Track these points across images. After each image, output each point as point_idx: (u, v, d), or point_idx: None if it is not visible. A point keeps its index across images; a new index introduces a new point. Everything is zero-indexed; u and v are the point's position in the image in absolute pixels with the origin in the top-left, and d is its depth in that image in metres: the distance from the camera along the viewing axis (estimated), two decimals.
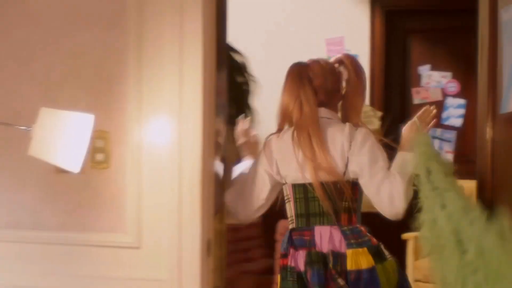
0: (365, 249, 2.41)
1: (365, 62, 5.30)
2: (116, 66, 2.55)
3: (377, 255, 2.43)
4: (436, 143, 4.96)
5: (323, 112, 2.51)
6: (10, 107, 2.70)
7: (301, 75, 2.56)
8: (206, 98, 2.65)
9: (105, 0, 2.68)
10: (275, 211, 3.13)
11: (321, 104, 2.53)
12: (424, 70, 5.32)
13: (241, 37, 5.19)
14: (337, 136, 2.44)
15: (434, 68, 5.36)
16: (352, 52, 5.01)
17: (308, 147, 2.43)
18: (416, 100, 5.32)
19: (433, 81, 5.29)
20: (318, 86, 2.54)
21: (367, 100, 5.14)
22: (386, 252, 2.47)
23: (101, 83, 2.57)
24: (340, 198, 2.44)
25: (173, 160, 2.54)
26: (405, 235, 4.53)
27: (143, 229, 2.50)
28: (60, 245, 2.60)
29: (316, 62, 2.63)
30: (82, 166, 2.27)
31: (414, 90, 5.35)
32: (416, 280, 4.52)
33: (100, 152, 2.49)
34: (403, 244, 5.28)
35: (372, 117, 5.24)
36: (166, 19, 2.57)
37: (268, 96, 5.10)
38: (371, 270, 2.39)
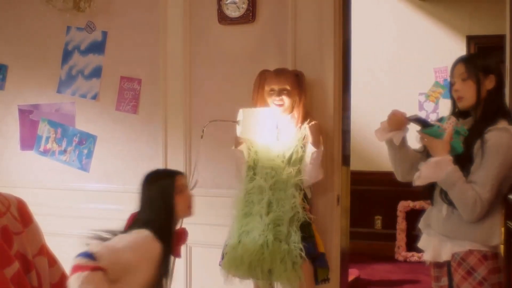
0: None
1: None
2: None
3: None
4: None
5: None
6: (224, 108, 3.75)
7: None
8: (336, 110, 3.57)
9: (271, 44, 3.69)
10: None
11: None
12: None
13: (371, 67, 6.57)
14: None
15: None
16: None
17: None
18: None
19: None
20: None
21: None
22: None
23: None
24: None
25: None
26: None
27: None
28: None
29: None
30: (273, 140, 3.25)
31: None
32: None
33: None
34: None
35: None
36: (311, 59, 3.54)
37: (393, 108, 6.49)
38: None
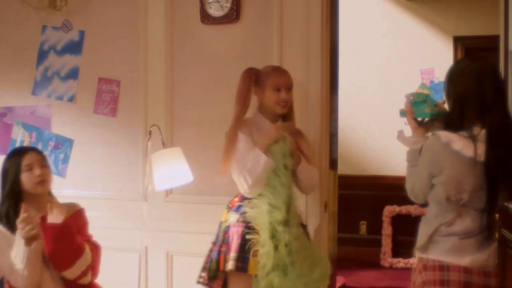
0: None
1: None
2: None
3: None
4: None
5: None
6: (207, 111, 3.78)
7: None
8: (324, 112, 3.54)
9: (256, 45, 3.66)
10: None
11: None
12: None
13: (357, 68, 6.56)
14: None
15: None
16: (440, 79, 6.14)
17: None
18: None
19: None
20: None
21: None
22: None
23: None
24: None
25: None
26: None
27: None
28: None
29: None
30: None
31: None
32: None
33: None
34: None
35: None
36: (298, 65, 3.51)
37: (382, 117, 6.46)
38: None
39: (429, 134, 2.71)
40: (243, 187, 3.05)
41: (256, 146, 3.04)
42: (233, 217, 3.08)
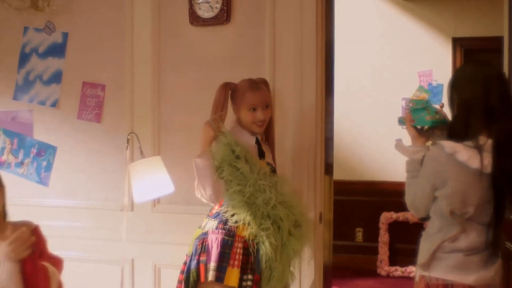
0: None
1: None
2: None
3: None
4: None
5: None
6: (195, 116, 3.60)
7: None
8: (319, 115, 3.49)
9: (248, 47, 3.58)
10: None
11: None
12: None
13: (352, 70, 6.52)
14: None
15: None
16: (438, 82, 6.18)
17: None
18: None
19: None
20: None
21: None
22: None
23: None
24: None
25: None
26: None
27: None
28: None
29: None
30: None
31: None
32: None
33: None
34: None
35: None
36: (290, 71, 3.47)
37: (378, 120, 6.42)
38: None
39: (429, 143, 2.65)
40: (209, 202, 2.97)
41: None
42: (211, 224, 2.96)
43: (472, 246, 2.50)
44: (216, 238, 2.89)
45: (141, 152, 3.53)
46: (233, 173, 2.86)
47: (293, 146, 3.51)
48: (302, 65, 3.53)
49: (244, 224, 2.87)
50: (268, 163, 3.06)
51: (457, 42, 6.52)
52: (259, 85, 3.06)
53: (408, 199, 2.62)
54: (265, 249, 2.85)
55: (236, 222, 2.88)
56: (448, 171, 2.44)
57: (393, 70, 6.64)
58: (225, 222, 2.90)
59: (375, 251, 6.60)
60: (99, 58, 3.97)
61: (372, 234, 6.65)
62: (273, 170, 3.07)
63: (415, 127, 2.66)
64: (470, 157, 2.40)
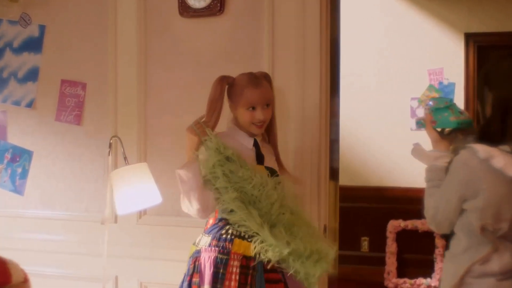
0: None
1: (460, 89, 6.12)
2: None
3: None
4: None
5: None
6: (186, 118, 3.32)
7: None
8: (323, 116, 3.39)
9: (244, 41, 3.45)
10: None
11: None
12: None
13: (357, 68, 6.45)
14: None
15: None
16: (450, 80, 6.09)
17: None
18: None
19: None
20: None
21: None
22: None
23: None
24: None
25: None
26: None
27: None
28: None
29: None
30: None
31: None
32: None
33: None
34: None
35: None
36: (292, 64, 3.33)
37: (385, 122, 6.32)
38: None
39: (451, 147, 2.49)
40: (197, 217, 2.78)
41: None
42: (204, 240, 2.76)
43: (506, 268, 2.25)
44: (209, 257, 2.68)
45: (125, 158, 3.30)
46: (228, 180, 2.67)
47: (295, 149, 3.36)
48: (305, 61, 3.38)
49: (242, 239, 2.68)
50: (268, 168, 2.85)
51: (470, 38, 6.37)
52: (259, 81, 2.84)
53: (428, 212, 2.39)
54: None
55: (239, 235, 2.70)
56: (481, 179, 2.21)
57: (401, 68, 6.50)
58: (218, 238, 2.69)
59: (382, 262, 6.43)
60: (79, 54, 3.81)
61: (378, 243, 6.50)
62: (272, 173, 2.85)
63: (436, 129, 2.48)
64: (507, 164, 2.17)
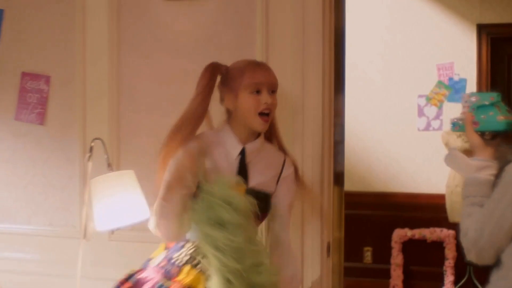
0: None
1: (472, 85, 6.05)
2: None
3: None
4: None
5: None
6: (165, 115, 3.19)
7: None
8: (326, 116, 3.24)
9: (233, 28, 3.27)
10: None
11: None
12: None
13: (360, 62, 6.34)
14: None
15: None
16: (461, 76, 6.04)
17: None
18: None
19: None
20: None
21: None
22: None
23: None
24: None
25: None
26: None
27: None
28: None
29: None
30: None
31: None
32: None
33: None
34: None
35: None
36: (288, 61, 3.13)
37: (391, 122, 6.24)
38: None
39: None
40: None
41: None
42: (160, 256, 2.58)
43: None
44: (152, 279, 2.49)
45: (109, 164, 3.13)
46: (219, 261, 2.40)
47: (295, 152, 3.09)
48: (305, 53, 3.15)
49: (194, 266, 2.46)
50: (251, 191, 2.52)
51: (482, 30, 6.26)
52: (262, 63, 2.66)
53: (468, 236, 2.13)
54: None
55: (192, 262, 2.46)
56: None
57: (408, 63, 6.41)
58: (169, 259, 2.49)
59: (386, 275, 6.32)
60: (42, 42, 3.60)
61: (383, 254, 6.39)
62: (258, 197, 2.52)
63: (478, 132, 2.21)
64: None
